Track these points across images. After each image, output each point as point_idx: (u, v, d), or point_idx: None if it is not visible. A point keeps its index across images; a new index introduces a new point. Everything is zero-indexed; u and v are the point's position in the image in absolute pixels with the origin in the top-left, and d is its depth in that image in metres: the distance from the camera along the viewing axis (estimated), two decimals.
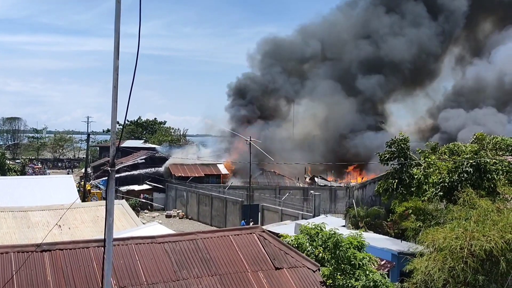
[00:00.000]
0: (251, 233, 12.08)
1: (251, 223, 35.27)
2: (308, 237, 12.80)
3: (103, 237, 14.91)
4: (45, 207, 21.43)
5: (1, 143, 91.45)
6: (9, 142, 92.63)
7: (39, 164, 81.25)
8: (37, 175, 62.60)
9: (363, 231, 21.02)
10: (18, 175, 46.14)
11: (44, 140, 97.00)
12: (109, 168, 6.03)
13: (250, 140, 42.66)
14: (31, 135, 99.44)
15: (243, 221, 36.94)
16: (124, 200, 26.50)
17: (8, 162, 50.36)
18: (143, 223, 26.87)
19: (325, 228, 12.69)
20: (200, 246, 11.25)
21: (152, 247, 10.77)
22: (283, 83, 68.19)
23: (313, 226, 12.88)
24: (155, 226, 21.03)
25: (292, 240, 12.82)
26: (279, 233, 14.68)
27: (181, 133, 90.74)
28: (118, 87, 5.78)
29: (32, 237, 19.15)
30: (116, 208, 24.24)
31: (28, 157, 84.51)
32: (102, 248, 10.29)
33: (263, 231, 12.27)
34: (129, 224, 22.51)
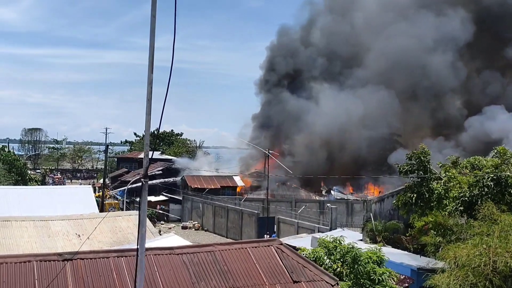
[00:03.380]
0: (268, 246, 12.04)
1: (266, 236, 35.08)
2: (326, 250, 12.72)
3: (122, 248, 14.99)
4: (65, 217, 21.69)
5: (23, 153, 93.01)
6: (31, 153, 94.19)
7: (59, 175, 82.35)
8: (57, 185, 63.51)
9: (381, 246, 20.80)
10: (38, 185, 46.82)
11: (64, 151, 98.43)
12: (142, 179, 6.10)
13: (269, 152, 42.72)
14: (51, 145, 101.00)
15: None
16: None
17: (29, 172, 51.17)
18: (160, 234, 27.02)
19: (343, 242, 12.60)
20: (218, 258, 11.25)
21: (171, 258, 10.80)
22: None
23: (331, 239, 12.80)
24: (172, 237, 21.12)
25: (309, 254, 12.74)
26: (296, 246, 14.61)
27: (197, 145, 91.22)
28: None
29: (52, 246, 19.38)
30: (134, 218, 24.44)
31: (48, 168, 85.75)
32: (122, 258, 10.40)
33: (281, 244, 12.22)
34: (146, 234, 22.61)
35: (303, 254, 12.63)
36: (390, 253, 20.46)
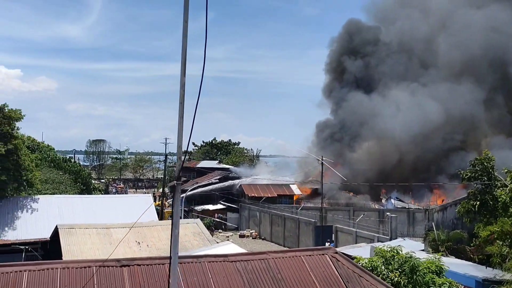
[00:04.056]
0: (323, 254, 11.87)
1: (327, 244, 34.59)
2: (383, 260, 12.36)
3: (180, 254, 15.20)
4: (126, 225, 22.46)
5: (88, 163, 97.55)
6: (95, 163, 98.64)
7: (121, 184, 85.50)
8: (120, 194, 66.08)
9: (443, 256, 19.94)
10: (102, 194, 48.82)
11: (126, 161, 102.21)
12: (175, 182, 6.20)
13: (322, 160, 42.28)
14: (114, 156, 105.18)
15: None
16: (198, 219, 27.18)
17: (94, 181, 53.56)
18: (217, 242, 27.35)
19: (401, 251, 12.19)
20: (272, 266, 11.21)
21: (225, 265, 10.88)
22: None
23: (389, 249, 12.42)
24: (228, 245, 21.30)
25: (366, 263, 12.43)
26: (352, 255, 14.28)
27: (254, 154, 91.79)
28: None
29: (114, 253, 20.08)
30: (192, 227, 24.90)
31: (111, 177, 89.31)
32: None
33: (336, 253, 12.02)
34: (203, 242, 22.99)
35: (360, 264, 12.33)
36: (453, 263, 19.63)
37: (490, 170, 19.40)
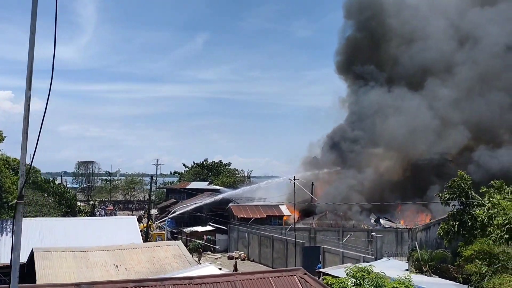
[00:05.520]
0: (292, 275, 11.75)
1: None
2: (354, 280, 12.23)
3: (146, 278, 14.98)
4: (104, 248, 22.16)
5: (77, 185, 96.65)
6: (84, 185, 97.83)
7: (111, 206, 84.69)
8: (109, 216, 65.25)
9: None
10: (88, 216, 48.24)
11: (116, 183, 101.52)
12: (16, 201, 6.01)
13: (295, 180, 42.53)
14: (104, 178, 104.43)
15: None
16: (180, 241, 26.86)
17: (79, 204, 52.99)
18: (198, 264, 27.02)
19: (372, 271, 12.07)
20: None
21: None
22: None
23: (358, 269, 12.31)
24: (208, 268, 21.03)
25: (335, 283, 12.29)
26: (328, 274, 14.12)
27: (245, 175, 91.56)
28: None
29: (90, 276, 19.75)
30: (172, 249, 24.60)
31: (100, 199, 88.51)
32: None
33: (305, 274, 11.90)
34: (183, 265, 22.71)
35: (329, 284, 12.20)
36: (435, 283, 19.51)
37: (467, 190, 19.40)
